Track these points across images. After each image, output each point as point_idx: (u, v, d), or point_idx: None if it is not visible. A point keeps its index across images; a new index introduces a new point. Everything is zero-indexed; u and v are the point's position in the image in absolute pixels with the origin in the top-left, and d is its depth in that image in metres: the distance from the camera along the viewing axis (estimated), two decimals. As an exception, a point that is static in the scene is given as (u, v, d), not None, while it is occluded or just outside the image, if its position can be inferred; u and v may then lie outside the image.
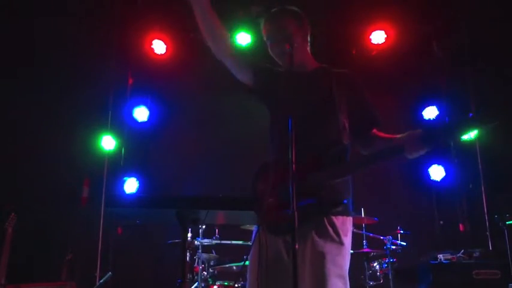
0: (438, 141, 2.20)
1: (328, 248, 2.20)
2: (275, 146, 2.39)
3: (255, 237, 2.35)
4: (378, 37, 6.31)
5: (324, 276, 2.15)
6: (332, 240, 2.23)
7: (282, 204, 2.08)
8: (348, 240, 2.29)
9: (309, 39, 2.57)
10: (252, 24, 6.25)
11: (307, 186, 2.16)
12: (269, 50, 2.54)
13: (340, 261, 2.23)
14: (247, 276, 2.34)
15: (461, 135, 2.10)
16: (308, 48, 2.58)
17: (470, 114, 2.03)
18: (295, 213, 1.90)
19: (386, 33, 6.28)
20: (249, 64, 2.57)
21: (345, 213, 2.30)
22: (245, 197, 2.37)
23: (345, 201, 2.28)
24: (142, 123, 6.58)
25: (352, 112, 2.41)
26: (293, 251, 1.88)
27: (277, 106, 2.41)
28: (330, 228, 2.24)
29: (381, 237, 5.11)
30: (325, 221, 2.24)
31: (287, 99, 2.23)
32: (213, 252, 5.24)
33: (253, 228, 2.46)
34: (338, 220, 2.27)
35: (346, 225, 2.29)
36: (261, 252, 2.23)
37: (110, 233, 5.99)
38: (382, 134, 2.42)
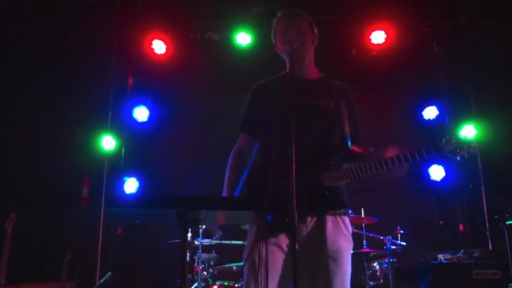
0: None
1: (344, 246, 2.35)
2: (279, 147, 2.36)
3: (254, 238, 2.37)
4: (377, 37, 6.31)
5: (344, 276, 2.30)
6: (346, 239, 2.38)
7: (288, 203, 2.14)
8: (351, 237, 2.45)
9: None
10: (252, 24, 6.25)
11: (314, 186, 2.28)
12: (281, 47, 2.56)
13: (350, 259, 2.39)
14: (247, 276, 2.35)
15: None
16: (313, 55, 2.64)
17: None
18: (295, 213, 1.92)
19: (386, 33, 6.28)
20: (251, 138, 2.63)
21: (347, 213, 2.44)
22: (245, 197, 2.38)
23: (347, 203, 2.42)
24: (142, 123, 6.58)
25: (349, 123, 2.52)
26: (293, 250, 1.88)
27: (284, 114, 2.39)
28: (342, 226, 2.38)
29: (381, 237, 5.11)
30: (338, 218, 2.37)
31: (295, 104, 2.29)
32: (213, 252, 5.24)
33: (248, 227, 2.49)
34: (346, 220, 2.41)
35: (350, 224, 2.44)
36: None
37: (110, 233, 5.98)
38: (357, 149, 2.54)
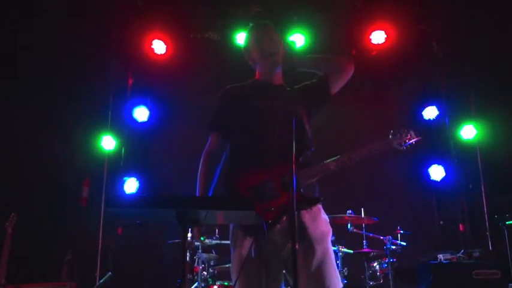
0: None
1: (327, 230, 2.42)
2: (254, 149, 2.47)
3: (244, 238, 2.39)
4: (378, 37, 6.31)
5: (332, 259, 2.35)
6: (326, 223, 2.45)
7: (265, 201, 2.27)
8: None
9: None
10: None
11: (288, 185, 2.26)
12: (258, 57, 2.73)
13: (330, 241, 2.44)
14: (239, 276, 2.37)
15: None
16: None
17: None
18: (295, 213, 1.93)
19: (386, 33, 6.28)
20: (222, 139, 2.69)
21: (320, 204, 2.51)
22: (245, 197, 2.38)
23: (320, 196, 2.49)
24: (142, 123, 6.58)
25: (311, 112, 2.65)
26: (293, 250, 1.88)
27: (255, 113, 2.53)
28: (319, 213, 2.44)
29: (381, 237, 5.11)
30: (314, 209, 2.43)
31: (266, 108, 2.44)
32: (213, 252, 5.25)
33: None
34: (320, 207, 2.48)
35: (324, 213, 2.50)
36: (262, 252, 2.25)
37: (110, 233, 5.98)
38: None
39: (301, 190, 2.37)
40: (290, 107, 2.45)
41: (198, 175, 2.64)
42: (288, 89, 2.66)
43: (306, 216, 2.39)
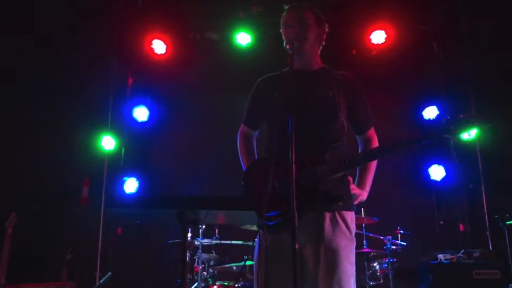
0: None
1: (343, 244, 2.29)
2: (275, 142, 2.38)
3: (258, 237, 2.38)
4: (378, 37, 6.31)
5: (341, 275, 2.23)
6: (346, 237, 2.33)
7: (281, 200, 2.17)
8: (354, 236, 2.40)
9: (323, 42, 2.64)
10: (252, 24, 6.25)
11: (309, 181, 2.24)
12: (283, 36, 2.57)
13: (352, 258, 2.32)
14: (254, 277, 2.37)
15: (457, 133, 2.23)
16: (318, 50, 2.64)
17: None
18: (295, 213, 1.91)
19: (386, 33, 6.28)
20: (252, 130, 2.75)
21: (350, 208, 2.40)
22: (245, 197, 2.38)
23: (345, 196, 2.34)
24: (142, 123, 6.58)
25: (348, 113, 2.52)
26: (293, 250, 1.88)
27: (279, 105, 2.41)
28: (342, 224, 2.33)
29: (381, 237, 5.11)
30: (337, 216, 2.33)
31: (290, 98, 2.27)
32: (213, 252, 5.24)
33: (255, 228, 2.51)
34: (348, 216, 2.37)
35: (353, 221, 2.40)
36: (261, 252, 2.25)
37: (110, 233, 5.98)
38: (365, 142, 2.63)
39: (322, 186, 2.25)
40: (314, 96, 2.41)
41: (239, 154, 2.69)
42: (323, 73, 2.57)
43: (327, 222, 2.31)
